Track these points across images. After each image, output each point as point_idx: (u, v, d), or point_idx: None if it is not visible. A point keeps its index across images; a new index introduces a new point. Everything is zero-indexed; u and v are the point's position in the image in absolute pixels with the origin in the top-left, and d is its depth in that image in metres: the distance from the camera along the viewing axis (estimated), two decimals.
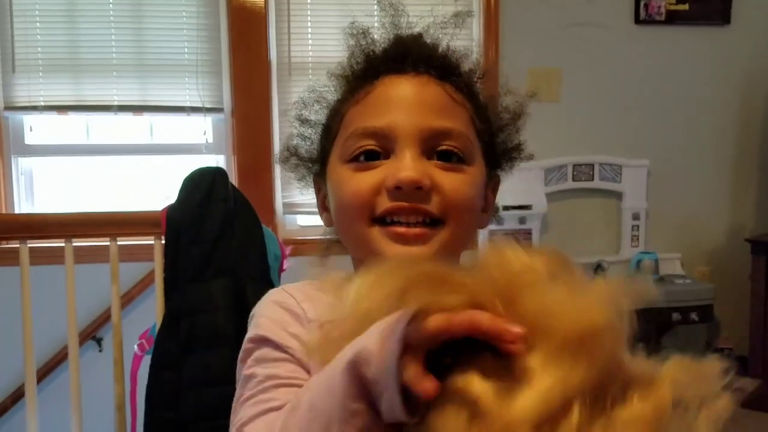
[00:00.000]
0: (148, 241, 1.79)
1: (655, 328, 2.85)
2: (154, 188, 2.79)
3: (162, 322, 1.68)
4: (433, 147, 0.67)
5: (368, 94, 0.70)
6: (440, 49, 0.74)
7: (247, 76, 2.76)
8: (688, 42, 3.09)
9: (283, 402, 0.58)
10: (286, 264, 1.94)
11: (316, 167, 0.78)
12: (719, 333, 3.22)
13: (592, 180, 3.02)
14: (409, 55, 0.71)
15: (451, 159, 0.68)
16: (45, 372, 2.55)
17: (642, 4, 2.98)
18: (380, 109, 0.68)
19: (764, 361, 2.85)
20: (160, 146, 2.84)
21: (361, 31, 0.74)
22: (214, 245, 1.67)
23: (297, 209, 2.86)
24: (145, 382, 1.65)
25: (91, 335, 2.64)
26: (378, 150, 0.67)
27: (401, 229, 0.66)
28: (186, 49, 2.74)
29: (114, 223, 1.77)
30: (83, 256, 2.10)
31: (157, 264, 1.75)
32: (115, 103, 2.71)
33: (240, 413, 0.63)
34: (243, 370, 0.68)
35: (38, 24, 2.67)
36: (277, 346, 0.67)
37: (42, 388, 2.44)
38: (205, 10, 2.73)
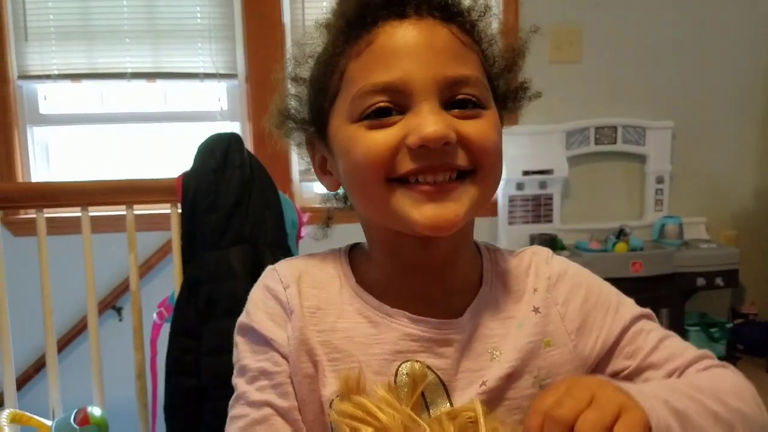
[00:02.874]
0: (165, 209, 1.77)
1: (680, 293, 2.80)
2: (170, 156, 2.77)
3: (180, 291, 1.67)
4: (450, 97, 0.61)
5: (370, 44, 0.62)
6: None
7: (260, 40, 2.71)
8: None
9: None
10: (303, 231, 1.92)
11: (312, 129, 0.71)
12: (744, 298, 3.17)
13: (615, 143, 2.95)
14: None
15: (467, 106, 0.62)
16: (66, 341, 2.57)
17: None
18: (388, 61, 0.61)
19: None
20: (174, 113, 2.80)
21: None
22: (230, 212, 1.65)
23: (313, 177, 2.82)
24: (165, 349, 1.65)
25: (111, 304, 2.65)
26: (391, 106, 0.61)
27: (428, 187, 0.60)
28: (198, 14, 2.69)
29: (130, 191, 1.76)
30: (101, 225, 2.10)
31: (174, 232, 1.73)
32: (129, 71, 2.68)
33: (237, 410, 0.67)
34: (238, 354, 0.69)
35: None
36: (264, 339, 0.66)
37: (64, 357, 2.46)
38: None
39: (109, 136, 2.80)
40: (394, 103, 0.61)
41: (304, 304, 0.67)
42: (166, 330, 1.69)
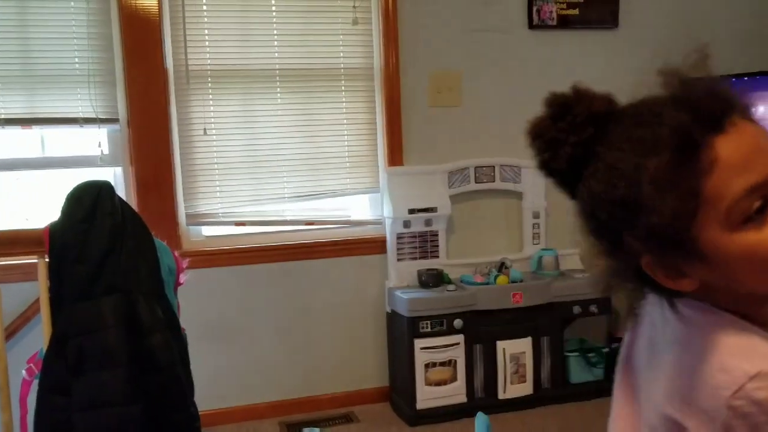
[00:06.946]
0: (33, 260, 1.72)
1: (558, 321, 2.95)
2: (49, 205, 2.67)
3: (49, 344, 1.62)
4: None
5: (714, 160, 0.66)
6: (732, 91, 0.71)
7: (142, 85, 2.69)
8: (581, 44, 3.22)
9: None
10: (183, 278, 1.90)
11: (665, 250, 0.71)
12: (620, 324, 3.36)
13: (494, 181, 3.10)
14: (727, 109, 0.68)
15: None
16: None
17: (534, 9, 3.10)
18: (745, 165, 0.66)
19: None
20: (52, 159, 2.72)
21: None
22: (101, 262, 1.62)
23: (201, 219, 2.81)
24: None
25: None
26: (763, 201, 0.66)
27: None
28: (77, 59, 2.64)
29: None
30: None
31: (42, 284, 1.68)
32: (1, 117, 2.58)
33: None
34: None
35: None
36: None
37: None
38: (96, 18, 2.64)
39: None
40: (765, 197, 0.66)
41: None
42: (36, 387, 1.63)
